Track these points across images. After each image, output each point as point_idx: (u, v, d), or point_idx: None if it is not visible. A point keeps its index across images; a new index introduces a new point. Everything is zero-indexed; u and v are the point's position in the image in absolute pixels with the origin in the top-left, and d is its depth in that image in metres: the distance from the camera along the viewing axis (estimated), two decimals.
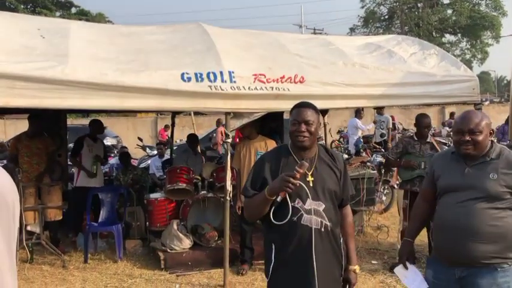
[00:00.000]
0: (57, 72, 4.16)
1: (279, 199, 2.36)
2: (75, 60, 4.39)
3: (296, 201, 2.45)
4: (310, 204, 2.44)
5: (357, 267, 2.67)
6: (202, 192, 6.37)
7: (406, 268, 2.82)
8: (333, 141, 16.07)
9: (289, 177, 2.30)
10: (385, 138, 12.16)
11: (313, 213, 2.45)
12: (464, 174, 2.63)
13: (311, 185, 2.47)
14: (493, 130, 2.65)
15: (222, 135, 13.81)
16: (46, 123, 6.45)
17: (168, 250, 5.61)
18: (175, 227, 5.70)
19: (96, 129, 6.88)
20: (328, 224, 2.47)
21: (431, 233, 5.51)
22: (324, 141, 9.65)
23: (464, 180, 2.62)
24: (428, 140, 5.43)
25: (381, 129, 12.45)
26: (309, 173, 2.49)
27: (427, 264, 2.94)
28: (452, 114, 16.23)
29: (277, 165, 2.51)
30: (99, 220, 6.18)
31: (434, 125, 20.24)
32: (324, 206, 2.47)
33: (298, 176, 2.32)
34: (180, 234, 5.66)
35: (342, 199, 2.62)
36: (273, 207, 2.41)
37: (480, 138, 2.57)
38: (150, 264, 5.66)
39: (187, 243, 5.67)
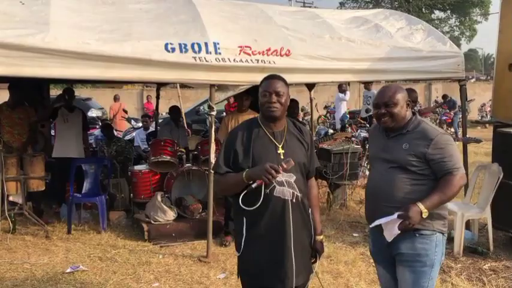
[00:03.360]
0: (37, 40, 4.08)
1: (254, 185, 2.38)
2: (56, 29, 4.30)
3: None
4: (281, 176, 2.46)
5: (322, 237, 2.74)
6: (187, 164, 6.37)
7: None
8: (319, 117, 16.12)
9: (272, 170, 2.33)
10: (371, 113, 12.20)
11: (285, 184, 2.48)
12: (383, 145, 2.77)
13: (282, 157, 2.49)
14: (410, 101, 2.74)
15: (116, 111, 13.97)
16: (28, 93, 6.34)
17: (152, 222, 5.62)
18: (159, 198, 5.71)
19: (70, 98, 6.70)
20: (299, 194, 2.52)
21: None
22: (310, 116, 9.66)
23: (383, 150, 2.76)
24: None
25: (367, 104, 12.49)
26: (280, 146, 2.52)
27: (370, 233, 3.04)
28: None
29: (249, 137, 2.53)
30: (83, 191, 6.16)
31: (420, 101, 20.38)
32: (294, 177, 2.51)
33: (281, 170, 2.36)
34: (164, 206, 5.67)
35: (309, 171, 2.67)
36: (244, 192, 2.42)
37: (395, 110, 2.67)
38: (133, 235, 5.68)
39: (171, 215, 5.69)
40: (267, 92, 2.50)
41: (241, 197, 2.43)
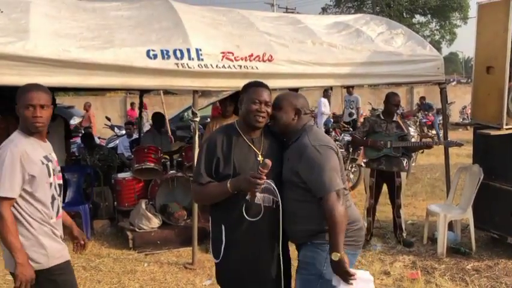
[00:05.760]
0: (17, 48, 4.03)
1: (248, 198, 2.40)
2: (37, 36, 4.25)
3: None
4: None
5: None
6: (171, 171, 6.34)
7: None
8: None
9: (256, 179, 2.30)
10: (354, 117, 12.33)
11: (265, 191, 2.48)
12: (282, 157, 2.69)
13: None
14: (299, 110, 2.59)
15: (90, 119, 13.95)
16: (7, 102, 6.23)
17: (137, 229, 5.58)
18: (143, 206, 5.67)
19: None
20: (278, 200, 2.52)
21: (396, 210, 5.67)
22: None
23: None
24: (394, 118, 5.53)
25: (350, 108, 12.61)
26: (260, 153, 2.52)
27: None
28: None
29: (229, 145, 2.51)
30: (66, 200, 6.08)
31: (403, 104, 20.60)
32: (274, 183, 2.50)
33: (264, 176, 2.32)
34: (149, 214, 5.64)
35: None
36: (245, 205, 2.43)
37: (275, 112, 2.59)
38: (118, 243, 5.63)
39: (155, 222, 5.65)
40: (257, 100, 2.48)
41: (244, 209, 2.42)
